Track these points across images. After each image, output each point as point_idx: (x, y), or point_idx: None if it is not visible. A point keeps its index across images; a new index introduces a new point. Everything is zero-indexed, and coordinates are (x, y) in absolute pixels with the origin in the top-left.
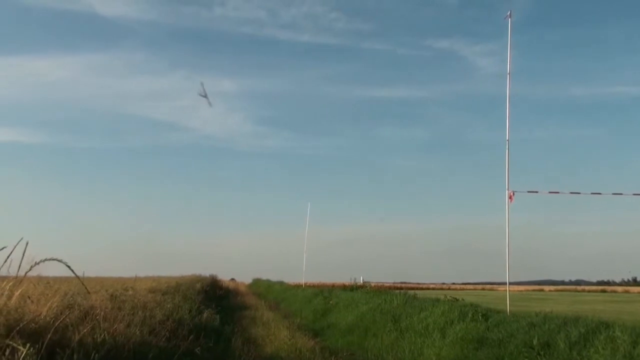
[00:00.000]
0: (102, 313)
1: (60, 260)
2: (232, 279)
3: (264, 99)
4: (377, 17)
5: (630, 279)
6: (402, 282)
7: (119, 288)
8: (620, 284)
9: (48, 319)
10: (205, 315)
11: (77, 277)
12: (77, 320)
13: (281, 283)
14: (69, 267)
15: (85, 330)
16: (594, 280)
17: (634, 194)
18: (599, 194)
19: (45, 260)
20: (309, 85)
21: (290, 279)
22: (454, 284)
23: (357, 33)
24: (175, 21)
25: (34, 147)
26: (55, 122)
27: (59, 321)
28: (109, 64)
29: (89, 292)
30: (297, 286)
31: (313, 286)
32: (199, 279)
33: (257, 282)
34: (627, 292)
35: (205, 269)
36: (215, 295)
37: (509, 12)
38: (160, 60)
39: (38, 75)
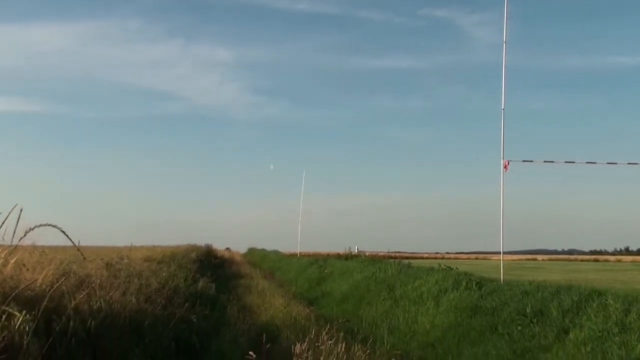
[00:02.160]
0: (98, 281)
1: (55, 226)
2: (227, 249)
3: (259, 68)
4: None
5: (623, 248)
6: (396, 252)
7: (114, 257)
8: (612, 253)
9: (44, 286)
10: (200, 283)
11: (73, 243)
12: (73, 288)
13: (276, 252)
14: (64, 232)
15: (81, 298)
16: (587, 249)
17: (629, 163)
18: (594, 163)
19: (41, 225)
20: (305, 55)
21: (285, 248)
22: (447, 253)
23: (353, 2)
24: None
25: (29, 116)
26: (50, 91)
27: (54, 288)
28: (104, 32)
29: (85, 259)
30: (292, 255)
31: (308, 255)
32: (194, 248)
33: (252, 251)
34: (619, 261)
35: (200, 239)
36: (210, 264)
37: None
38: (156, 28)
39: (33, 44)
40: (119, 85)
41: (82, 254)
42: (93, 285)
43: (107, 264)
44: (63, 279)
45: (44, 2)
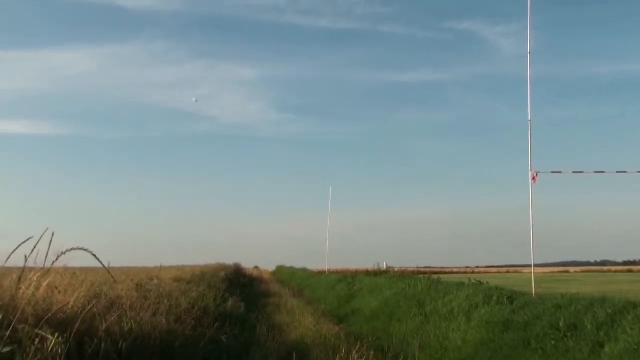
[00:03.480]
0: (129, 302)
1: (86, 250)
2: (256, 267)
3: (284, 86)
4: (396, 1)
5: None
6: (425, 267)
7: (144, 278)
8: None
9: (76, 308)
10: (230, 303)
11: (104, 266)
12: (104, 310)
13: (304, 270)
14: (94, 256)
15: (112, 320)
16: (620, 260)
17: None
18: (624, 172)
19: (72, 249)
20: (329, 71)
21: (314, 265)
22: (478, 267)
23: (376, 17)
24: (194, 10)
25: (57, 139)
26: (78, 114)
27: (86, 311)
28: (129, 55)
29: (115, 282)
30: (321, 272)
31: (336, 272)
32: (223, 267)
33: (280, 269)
34: None
35: (229, 257)
36: (239, 283)
37: None
38: (181, 49)
39: (60, 68)
40: (145, 106)
41: (112, 277)
42: (124, 306)
43: (137, 285)
44: (95, 301)
45: (71, 27)
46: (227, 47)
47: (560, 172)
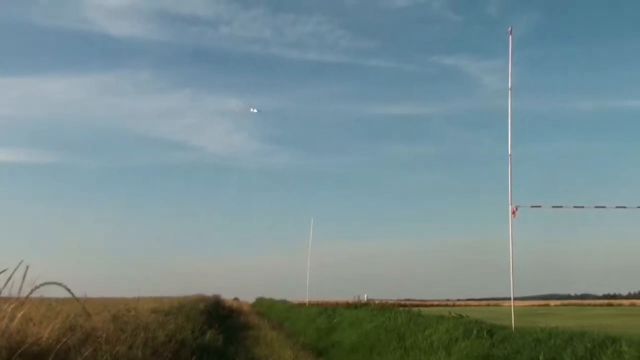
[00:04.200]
0: (104, 335)
1: (60, 284)
2: (236, 298)
3: (269, 117)
4: (382, 35)
5: (637, 292)
6: (406, 299)
7: (121, 309)
8: (627, 297)
9: (50, 341)
10: (208, 335)
11: (78, 300)
12: (79, 343)
13: (284, 302)
14: (68, 290)
15: (87, 353)
16: (600, 293)
17: (638, 207)
18: (603, 207)
19: (46, 283)
20: (314, 103)
21: (294, 297)
22: (458, 300)
23: (362, 50)
24: (181, 40)
25: (38, 167)
26: (63, 142)
27: (60, 344)
28: (115, 84)
29: (89, 315)
30: (301, 305)
31: (317, 304)
32: (202, 298)
33: (260, 301)
34: (633, 305)
35: (208, 289)
36: (218, 315)
37: (509, 28)
38: (167, 79)
39: (46, 95)
40: (130, 135)
41: (86, 311)
42: (99, 339)
43: (113, 316)
44: (70, 334)
45: (55, 55)
46: (213, 77)
47: (539, 207)
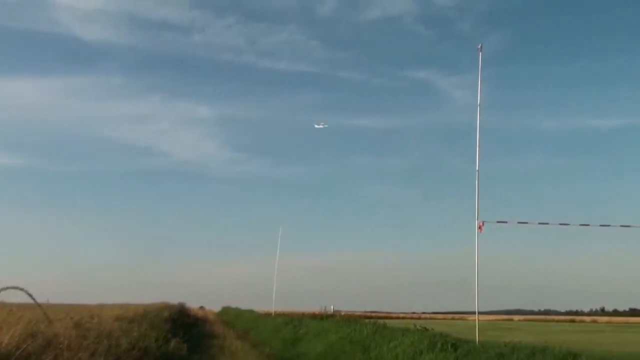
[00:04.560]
0: (66, 342)
1: (21, 289)
2: (201, 307)
3: (240, 125)
4: (354, 47)
5: (599, 309)
6: (372, 311)
7: (84, 315)
8: (588, 314)
9: (10, 347)
10: (172, 344)
11: (39, 305)
12: (40, 349)
13: (251, 311)
14: (30, 295)
15: None
16: (563, 310)
17: (601, 225)
18: (567, 224)
19: (6, 288)
20: (285, 112)
21: (260, 307)
22: (424, 313)
23: (334, 62)
24: (153, 46)
25: (5, 170)
26: (28, 145)
27: (20, 350)
28: (84, 87)
29: (50, 321)
30: (267, 314)
31: (283, 314)
32: (167, 306)
33: (226, 310)
34: (595, 322)
35: (174, 297)
36: (183, 323)
37: (479, 46)
38: (137, 84)
39: (12, 98)
40: (98, 140)
41: (47, 317)
42: (60, 346)
43: (76, 323)
44: (30, 340)
45: (24, 57)
46: (184, 84)
47: (505, 222)
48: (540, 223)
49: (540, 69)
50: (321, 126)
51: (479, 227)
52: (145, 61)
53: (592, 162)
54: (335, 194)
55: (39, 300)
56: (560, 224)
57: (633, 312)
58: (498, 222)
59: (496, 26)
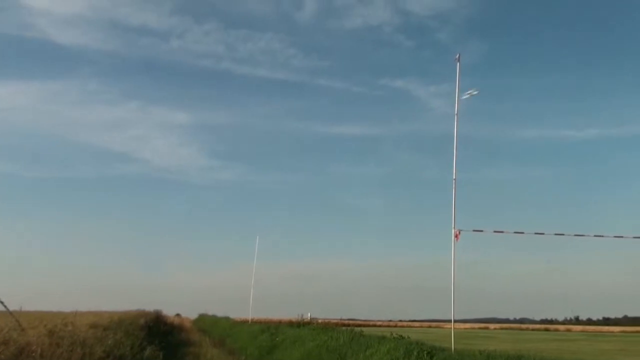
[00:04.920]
0: (39, 350)
1: None
2: (178, 315)
3: (218, 132)
4: (333, 55)
5: (573, 318)
6: (349, 319)
7: (58, 323)
8: (563, 322)
9: None
10: (147, 352)
11: (11, 313)
12: (12, 357)
13: (227, 319)
14: (2, 303)
15: None
16: (538, 318)
17: (576, 235)
18: (542, 234)
19: None
20: (263, 120)
21: (237, 314)
22: (401, 321)
23: (313, 70)
24: (131, 51)
25: None
26: (3, 149)
27: None
28: (62, 92)
29: (23, 329)
30: (244, 322)
31: (260, 322)
32: (143, 314)
33: (202, 317)
34: (569, 330)
35: (150, 304)
36: (159, 331)
37: (457, 56)
38: (115, 90)
39: None
40: (74, 145)
41: (20, 324)
42: (33, 354)
43: (49, 331)
44: (2, 348)
45: (1, 62)
46: (162, 90)
47: (481, 231)
48: (515, 232)
49: (518, 79)
50: (471, 94)
51: (456, 236)
52: (123, 66)
53: (567, 172)
54: (313, 202)
55: (12, 308)
56: (536, 233)
57: (606, 321)
58: (474, 230)
59: (475, 36)
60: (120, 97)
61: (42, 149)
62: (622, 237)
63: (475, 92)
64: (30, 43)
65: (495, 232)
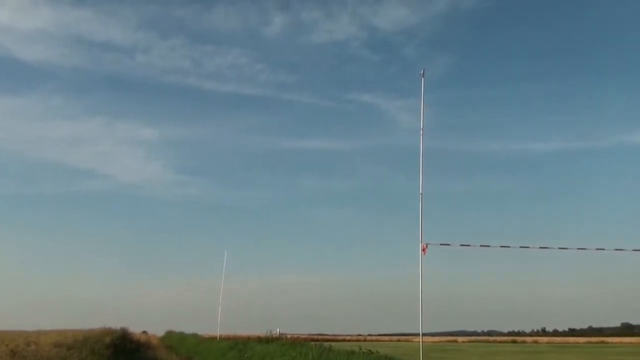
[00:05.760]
0: None
1: None
2: (144, 332)
3: (185, 148)
4: (301, 70)
5: (540, 329)
6: (318, 334)
7: (20, 342)
8: (530, 334)
9: None
10: None
11: None
12: None
13: (195, 335)
14: None
15: None
16: (505, 330)
17: (541, 247)
18: (508, 247)
19: None
20: (230, 135)
21: (205, 330)
22: (370, 335)
23: (281, 85)
24: (95, 67)
25: None
26: None
27: None
28: (25, 108)
29: None
30: (212, 338)
31: (228, 338)
32: (108, 332)
33: (169, 334)
34: (536, 342)
35: (115, 321)
36: (125, 349)
37: (422, 71)
38: (79, 105)
39: None
40: (36, 161)
41: None
42: None
43: (11, 350)
44: None
45: None
46: (128, 106)
47: (448, 245)
48: (482, 245)
49: (484, 91)
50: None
51: (423, 250)
52: (87, 82)
53: (532, 183)
54: (281, 217)
55: None
56: (502, 246)
57: (572, 332)
58: (441, 244)
59: (441, 50)
60: (84, 113)
61: (4, 165)
62: (585, 249)
63: None
64: None
65: (461, 245)
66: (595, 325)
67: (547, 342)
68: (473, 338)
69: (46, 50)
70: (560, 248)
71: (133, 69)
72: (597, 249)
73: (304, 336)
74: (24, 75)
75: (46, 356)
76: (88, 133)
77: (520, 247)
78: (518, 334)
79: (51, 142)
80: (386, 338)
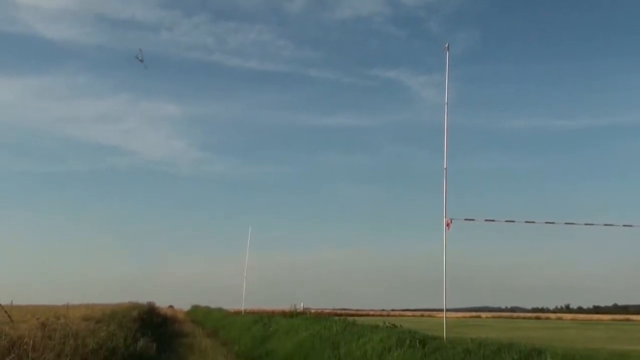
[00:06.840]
0: (31, 342)
1: None
2: (171, 306)
3: (209, 124)
4: (324, 46)
5: (563, 306)
6: (342, 309)
7: (50, 316)
8: (553, 311)
9: None
10: (140, 343)
11: (2, 307)
12: (4, 351)
13: (220, 310)
14: None
15: None
16: (529, 307)
17: (566, 223)
18: (533, 222)
19: None
20: (254, 111)
21: (230, 305)
22: (393, 310)
23: (304, 61)
24: (119, 44)
25: None
26: None
27: None
28: (51, 87)
29: (12, 321)
30: (237, 313)
31: (253, 313)
32: (135, 306)
33: (195, 309)
34: (560, 319)
35: (143, 296)
36: (152, 322)
37: (446, 45)
38: (105, 83)
39: None
40: (63, 139)
41: (9, 317)
42: (25, 347)
43: (42, 324)
44: None
45: None
46: (152, 83)
47: (473, 220)
48: (507, 221)
49: (509, 68)
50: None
51: (447, 225)
52: (112, 60)
53: (557, 161)
54: (305, 193)
55: (3, 302)
56: (527, 222)
57: (597, 310)
58: (466, 219)
59: (465, 26)
60: (109, 91)
61: (31, 143)
62: (612, 225)
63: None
64: (19, 38)
65: (486, 220)
66: (620, 302)
67: (571, 319)
68: (497, 314)
69: (71, 29)
70: (586, 224)
71: (157, 46)
72: (624, 225)
73: (327, 311)
74: (50, 54)
75: (75, 329)
76: (113, 110)
77: (546, 222)
78: (542, 310)
79: (77, 120)
80: (409, 313)
